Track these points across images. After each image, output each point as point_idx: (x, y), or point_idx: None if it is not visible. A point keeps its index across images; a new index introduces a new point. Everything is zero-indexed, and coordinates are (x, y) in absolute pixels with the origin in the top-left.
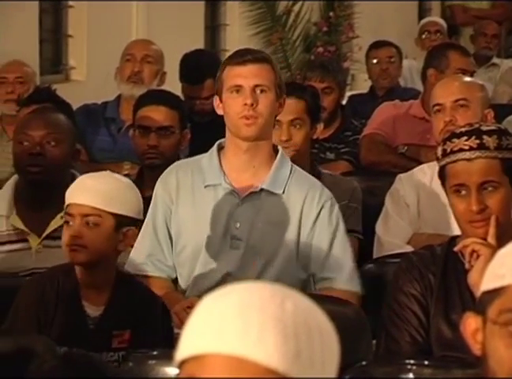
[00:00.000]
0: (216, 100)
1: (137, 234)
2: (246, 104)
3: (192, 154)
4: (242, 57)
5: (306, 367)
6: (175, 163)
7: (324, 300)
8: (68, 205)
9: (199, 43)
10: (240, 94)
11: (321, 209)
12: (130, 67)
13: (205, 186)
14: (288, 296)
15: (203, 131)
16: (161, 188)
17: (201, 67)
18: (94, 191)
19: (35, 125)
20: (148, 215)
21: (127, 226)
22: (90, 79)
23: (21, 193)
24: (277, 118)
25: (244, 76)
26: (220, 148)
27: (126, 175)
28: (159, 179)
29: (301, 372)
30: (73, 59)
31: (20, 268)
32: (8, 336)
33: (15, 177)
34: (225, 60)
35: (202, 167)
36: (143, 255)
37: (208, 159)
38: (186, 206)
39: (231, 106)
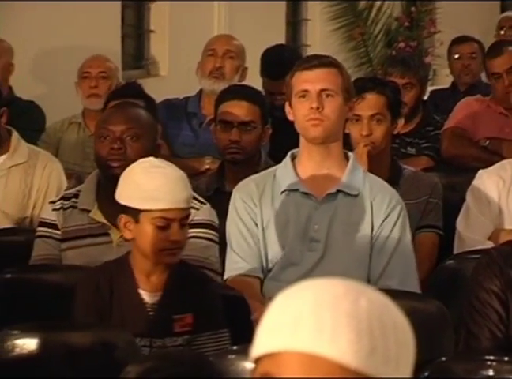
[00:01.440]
0: (286, 106)
1: None
2: (312, 108)
3: (273, 149)
4: (309, 62)
5: (380, 364)
6: (249, 177)
7: (404, 296)
8: (161, 210)
9: (280, 38)
10: (307, 98)
11: (389, 214)
12: (212, 62)
13: (282, 192)
14: (362, 292)
15: (284, 126)
16: (240, 197)
17: (283, 62)
18: (184, 192)
19: (115, 120)
20: (231, 228)
21: None
22: (172, 74)
23: (102, 188)
24: (358, 113)
25: (311, 81)
26: (294, 157)
27: (207, 170)
28: (234, 191)
29: (375, 369)
30: (155, 54)
31: (101, 261)
32: (89, 330)
33: (96, 171)
34: (294, 67)
35: (277, 176)
36: (241, 261)
37: (283, 167)
38: (267, 211)
39: (299, 111)
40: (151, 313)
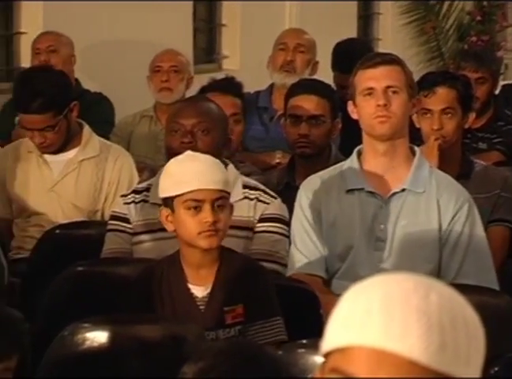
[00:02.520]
0: (350, 105)
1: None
2: (379, 105)
3: (343, 143)
4: (373, 60)
5: (450, 359)
6: (316, 174)
7: (474, 290)
8: (189, 192)
9: (352, 32)
10: (373, 96)
11: (458, 211)
12: (283, 56)
13: (348, 191)
14: (432, 287)
15: (354, 120)
16: (306, 193)
17: (354, 56)
18: (214, 174)
19: (186, 114)
20: (295, 225)
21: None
22: (243, 68)
23: None
24: (429, 107)
25: (376, 78)
26: (360, 154)
27: (277, 164)
28: (301, 187)
29: (445, 364)
30: (226, 48)
31: None
32: (159, 324)
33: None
34: (356, 65)
35: (343, 173)
36: (305, 259)
37: (349, 164)
38: (332, 209)
39: (365, 108)
40: (201, 307)
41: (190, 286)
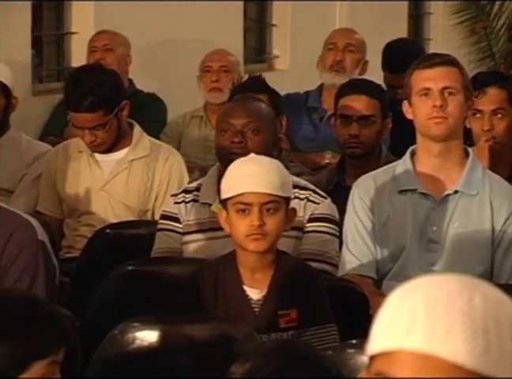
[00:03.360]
0: (405, 105)
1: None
2: (435, 106)
3: (394, 143)
4: (430, 60)
5: (495, 362)
6: (369, 173)
7: None
8: (238, 195)
9: (402, 32)
10: (429, 96)
11: (511, 213)
12: (333, 56)
13: (400, 191)
14: (476, 289)
15: (405, 120)
16: (358, 194)
17: (404, 56)
18: (266, 177)
19: (236, 114)
20: (347, 225)
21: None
22: (293, 68)
23: None
24: (479, 107)
25: (432, 79)
26: (413, 154)
27: (327, 164)
28: (353, 187)
29: (490, 367)
30: (276, 48)
31: (221, 254)
32: (209, 323)
33: (218, 165)
34: (412, 65)
35: (396, 174)
36: (356, 260)
37: (402, 165)
38: (384, 210)
39: (421, 109)
40: (256, 310)
41: (246, 288)
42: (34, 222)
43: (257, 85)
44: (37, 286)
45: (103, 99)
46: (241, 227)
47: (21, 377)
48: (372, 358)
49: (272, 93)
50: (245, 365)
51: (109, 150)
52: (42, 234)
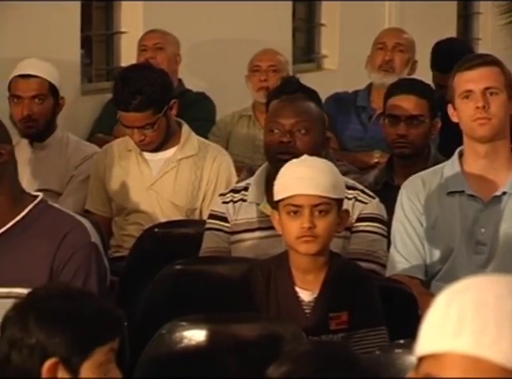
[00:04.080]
0: (450, 108)
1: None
2: (477, 107)
3: (442, 143)
4: (471, 62)
5: None
6: (417, 174)
7: None
8: (289, 197)
9: (451, 32)
10: (471, 98)
11: None
12: (382, 56)
13: (448, 193)
14: None
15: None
16: (407, 194)
17: (453, 55)
18: (317, 180)
19: (285, 114)
20: (396, 226)
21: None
22: (342, 67)
23: (272, 181)
24: None
25: (473, 80)
26: (461, 155)
27: (376, 164)
28: (401, 188)
29: None
30: (325, 48)
31: (270, 254)
32: (257, 323)
33: (266, 164)
34: (454, 68)
35: (444, 175)
36: (404, 261)
37: (451, 166)
38: (433, 211)
39: (464, 111)
40: (307, 311)
41: (298, 289)
42: (87, 224)
43: (290, 86)
44: (88, 288)
45: (152, 98)
46: (292, 228)
47: (85, 365)
48: (421, 359)
49: (308, 92)
50: (281, 368)
51: (158, 149)
52: (95, 236)
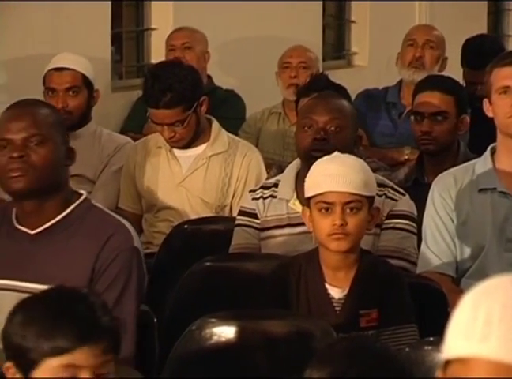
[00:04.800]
0: (485, 103)
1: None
2: None
3: (472, 140)
4: (509, 58)
5: None
6: (449, 170)
7: None
8: (320, 194)
9: (482, 28)
10: (508, 94)
11: None
12: (412, 52)
13: (479, 190)
14: None
15: (484, 117)
16: (438, 191)
17: (484, 52)
18: (348, 177)
19: (319, 111)
20: (427, 222)
21: (371, 205)
22: (372, 64)
23: (302, 177)
24: None
25: (511, 76)
26: (493, 152)
27: (406, 160)
28: (433, 184)
29: None
30: (355, 45)
31: (299, 251)
32: (287, 319)
33: (296, 161)
34: (492, 63)
35: (476, 172)
36: (435, 257)
37: (483, 163)
38: (464, 208)
39: (500, 107)
40: (337, 308)
41: (328, 286)
42: (131, 228)
43: (319, 83)
44: (128, 292)
45: (182, 95)
46: (323, 226)
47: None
48: (448, 361)
49: (336, 89)
50: (325, 369)
51: (188, 146)
52: (137, 241)
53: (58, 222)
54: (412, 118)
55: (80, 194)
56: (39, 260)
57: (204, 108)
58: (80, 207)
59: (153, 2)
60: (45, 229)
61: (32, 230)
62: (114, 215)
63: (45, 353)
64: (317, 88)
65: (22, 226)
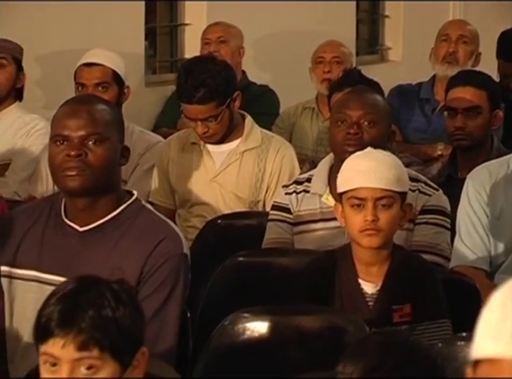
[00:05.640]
0: None
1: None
2: None
3: (507, 134)
4: None
5: None
6: (483, 164)
7: None
8: (352, 190)
9: None
10: None
11: None
12: (445, 47)
13: None
14: None
15: None
16: (473, 185)
17: None
18: (380, 173)
19: (353, 105)
20: (461, 216)
21: (404, 202)
22: (405, 59)
23: (335, 172)
24: None
25: None
26: None
27: (439, 156)
28: (467, 178)
29: None
30: (389, 40)
31: (332, 246)
32: (320, 315)
33: (329, 156)
34: None
35: (511, 166)
36: (469, 251)
37: None
38: (498, 203)
39: None
40: (370, 304)
41: (361, 281)
42: (181, 234)
43: (351, 78)
44: (174, 297)
45: (215, 90)
46: (355, 221)
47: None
48: (476, 362)
49: (369, 84)
50: (358, 363)
51: (221, 141)
52: (186, 248)
53: (108, 221)
54: (446, 113)
55: (132, 194)
56: (86, 259)
57: (237, 103)
58: (131, 207)
59: None
60: (95, 227)
61: (81, 227)
62: (165, 218)
63: (37, 338)
64: (350, 83)
65: (71, 221)
